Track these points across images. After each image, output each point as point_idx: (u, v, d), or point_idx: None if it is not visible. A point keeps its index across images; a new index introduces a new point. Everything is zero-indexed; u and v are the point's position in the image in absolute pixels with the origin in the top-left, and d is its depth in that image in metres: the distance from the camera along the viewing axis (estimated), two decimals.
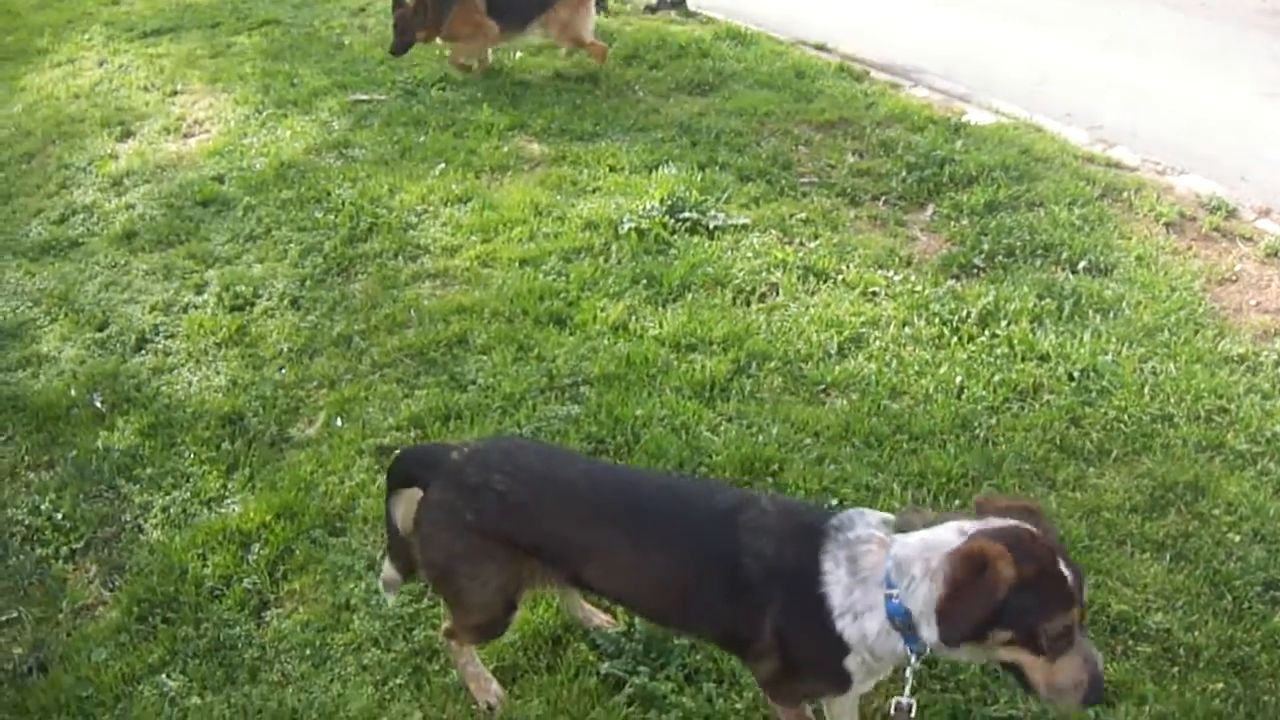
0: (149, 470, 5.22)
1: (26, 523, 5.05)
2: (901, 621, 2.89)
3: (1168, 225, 6.90)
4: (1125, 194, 7.18)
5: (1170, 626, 4.10)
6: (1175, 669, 3.97)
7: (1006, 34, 10.38)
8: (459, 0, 8.76)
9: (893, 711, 3.06)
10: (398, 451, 3.96)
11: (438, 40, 9.17)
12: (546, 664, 4.00)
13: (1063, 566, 2.76)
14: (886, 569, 2.89)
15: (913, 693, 3.01)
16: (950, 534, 2.88)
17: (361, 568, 4.48)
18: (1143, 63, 9.61)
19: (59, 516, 5.03)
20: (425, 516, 3.49)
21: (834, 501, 4.54)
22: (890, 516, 3.08)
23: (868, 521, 3.04)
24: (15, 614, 4.60)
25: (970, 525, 2.89)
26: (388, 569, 3.83)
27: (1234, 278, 6.47)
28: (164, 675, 4.18)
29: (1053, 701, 2.91)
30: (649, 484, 3.66)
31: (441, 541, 3.49)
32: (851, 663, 3.01)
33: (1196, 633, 4.09)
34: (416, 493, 3.52)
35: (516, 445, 3.75)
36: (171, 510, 4.97)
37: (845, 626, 2.95)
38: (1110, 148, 8.03)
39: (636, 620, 4.07)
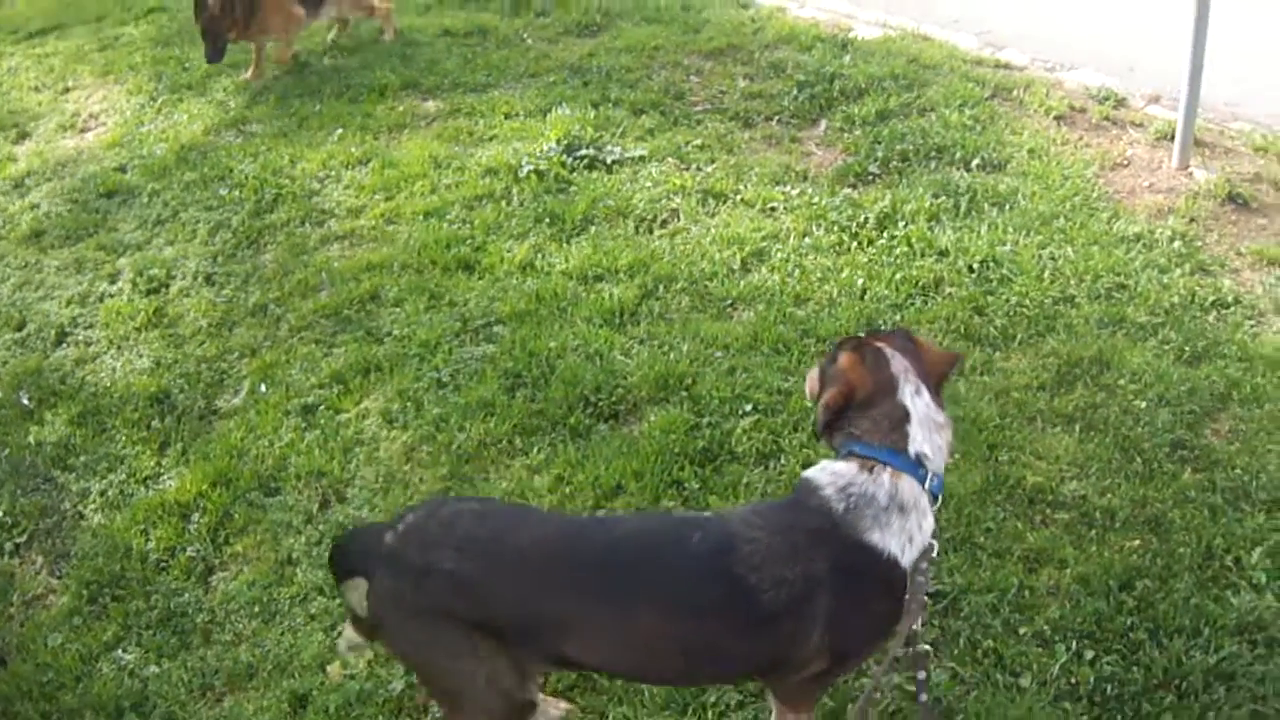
0: (83, 458, 5.29)
1: None
2: (935, 488, 2.91)
3: (1058, 119, 7.12)
4: (1015, 93, 7.38)
5: (1085, 493, 4.31)
6: (1093, 532, 4.16)
7: None
8: None
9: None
10: (332, 544, 3.79)
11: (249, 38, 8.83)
12: None
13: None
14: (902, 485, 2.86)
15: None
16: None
17: (300, 522, 4.63)
18: None
19: None
20: (378, 610, 3.09)
21: (746, 407, 4.72)
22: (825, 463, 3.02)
23: (824, 468, 2.97)
24: None
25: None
26: (349, 633, 3.40)
27: (1126, 162, 6.70)
28: (120, 650, 4.30)
29: None
30: (607, 535, 3.22)
31: (406, 634, 3.10)
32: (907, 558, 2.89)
33: (1110, 496, 4.30)
34: (363, 582, 3.11)
35: (455, 512, 3.17)
36: (109, 493, 5.06)
37: (903, 553, 2.85)
38: (999, 50, 8.23)
39: None
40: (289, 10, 8.60)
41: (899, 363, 2.98)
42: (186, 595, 4.46)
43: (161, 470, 5.13)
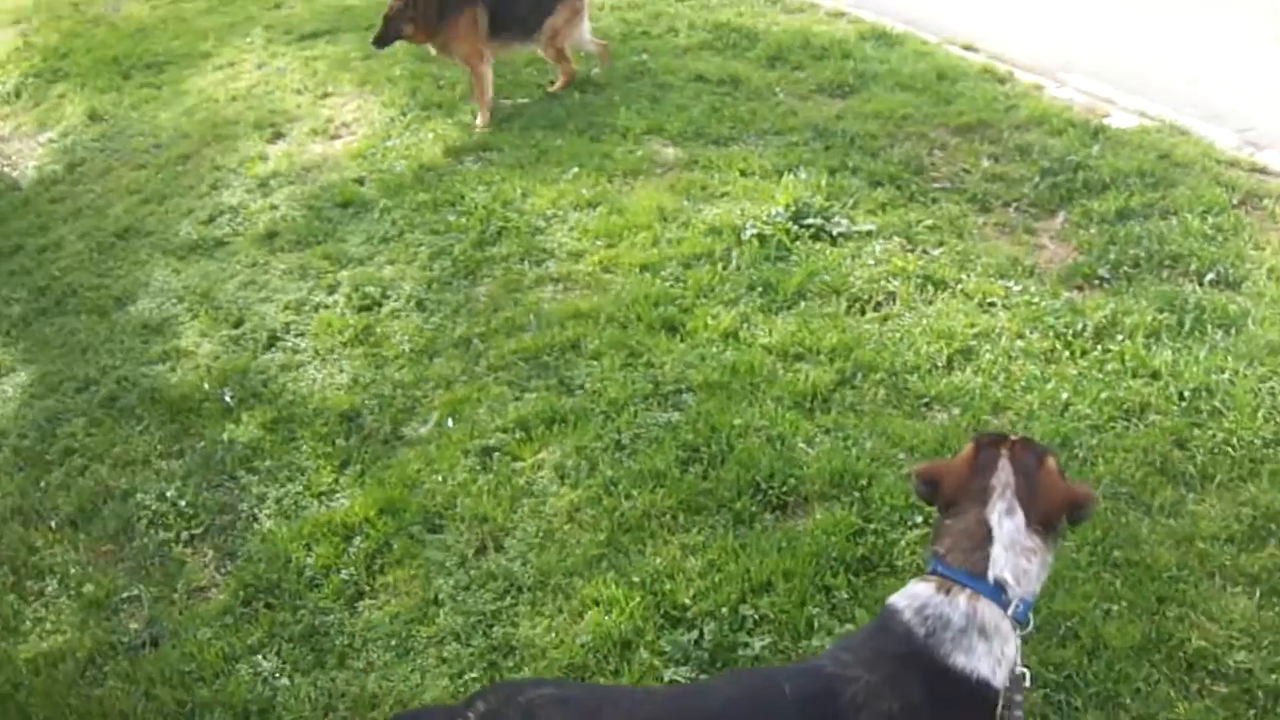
0: (268, 463, 5.41)
1: (153, 508, 5.30)
2: (1020, 615, 2.75)
3: None
4: (1266, 201, 6.88)
5: (1252, 666, 3.91)
6: (1252, 712, 3.78)
7: (1162, 29, 10.07)
8: (461, 11, 8.44)
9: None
10: None
11: (430, 48, 8.81)
12: (614, 667, 4.04)
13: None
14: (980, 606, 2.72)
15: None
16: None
17: (453, 564, 4.62)
18: None
19: (183, 503, 5.27)
20: None
21: (918, 518, 4.50)
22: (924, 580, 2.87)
23: (905, 590, 2.85)
24: (136, 592, 4.87)
25: None
26: None
27: None
28: (260, 656, 4.41)
29: None
30: (705, 708, 2.91)
31: None
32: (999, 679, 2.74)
33: (1279, 674, 3.90)
34: None
35: (532, 700, 2.82)
36: (284, 502, 5.17)
37: (994, 675, 2.69)
38: (1259, 151, 7.72)
39: (705, 628, 4.11)
40: (473, 42, 8.53)
41: (1004, 475, 2.83)
42: (332, 616, 4.51)
43: (337, 489, 5.19)
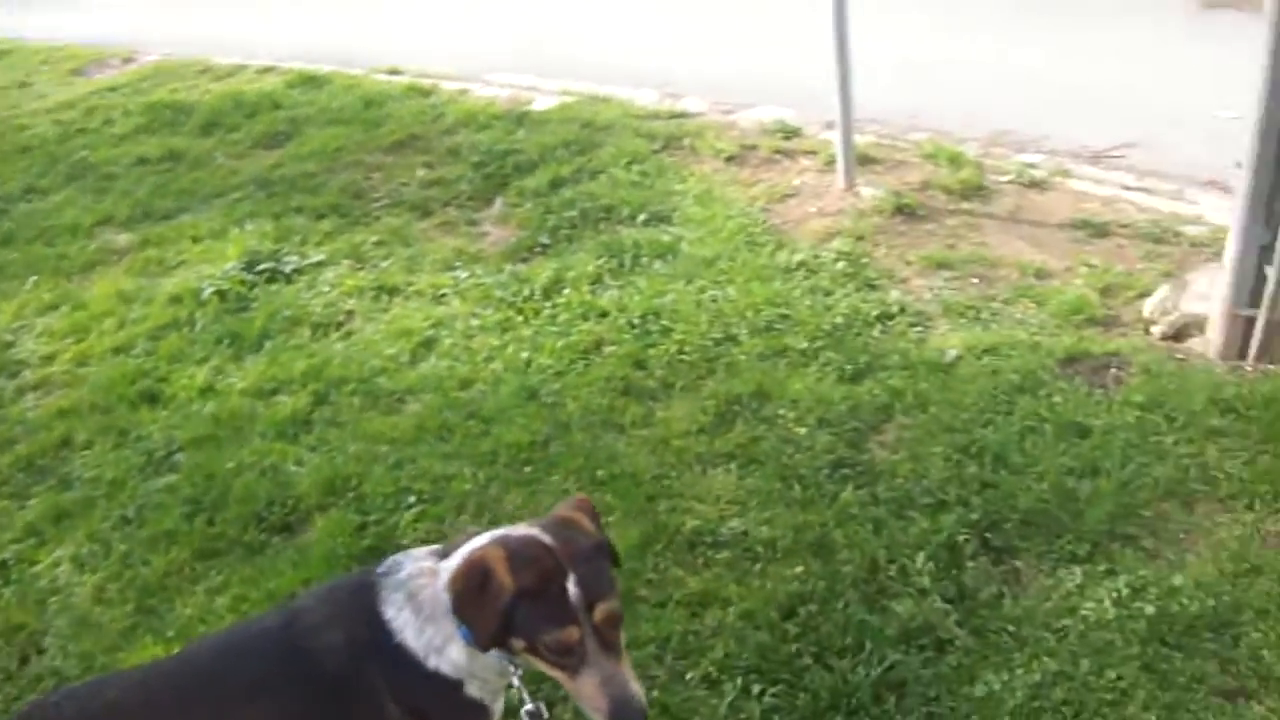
0: None
1: None
2: None
3: (729, 159, 7.45)
4: (686, 141, 7.70)
5: (746, 529, 4.40)
6: (756, 565, 4.24)
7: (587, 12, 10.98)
8: None
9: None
10: None
11: None
12: None
13: (570, 582, 2.64)
14: (443, 597, 2.78)
15: (533, 698, 2.90)
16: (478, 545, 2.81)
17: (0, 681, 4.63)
18: (712, 15, 10.42)
19: None
20: None
21: (410, 499, 4.84)
22: (439, 546, 2.99)
23: (415, 557, 2.92)
24: None
25: (498, 534, 2.83)
26: None
27: (795, 192, 7.04)
28: None
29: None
30: (198, 654, 3.24)
31: None
32: (472, 689, 2.87)
33: (770, 527, 4.39)
34: None
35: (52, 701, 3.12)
36: None
37: (438, 664, 2.80)
38: (678, 100, 8.59)
39: None
40: None
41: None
42: None
43: None
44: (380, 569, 2.91)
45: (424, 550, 2.96)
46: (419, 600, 2.81)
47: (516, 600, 2.63)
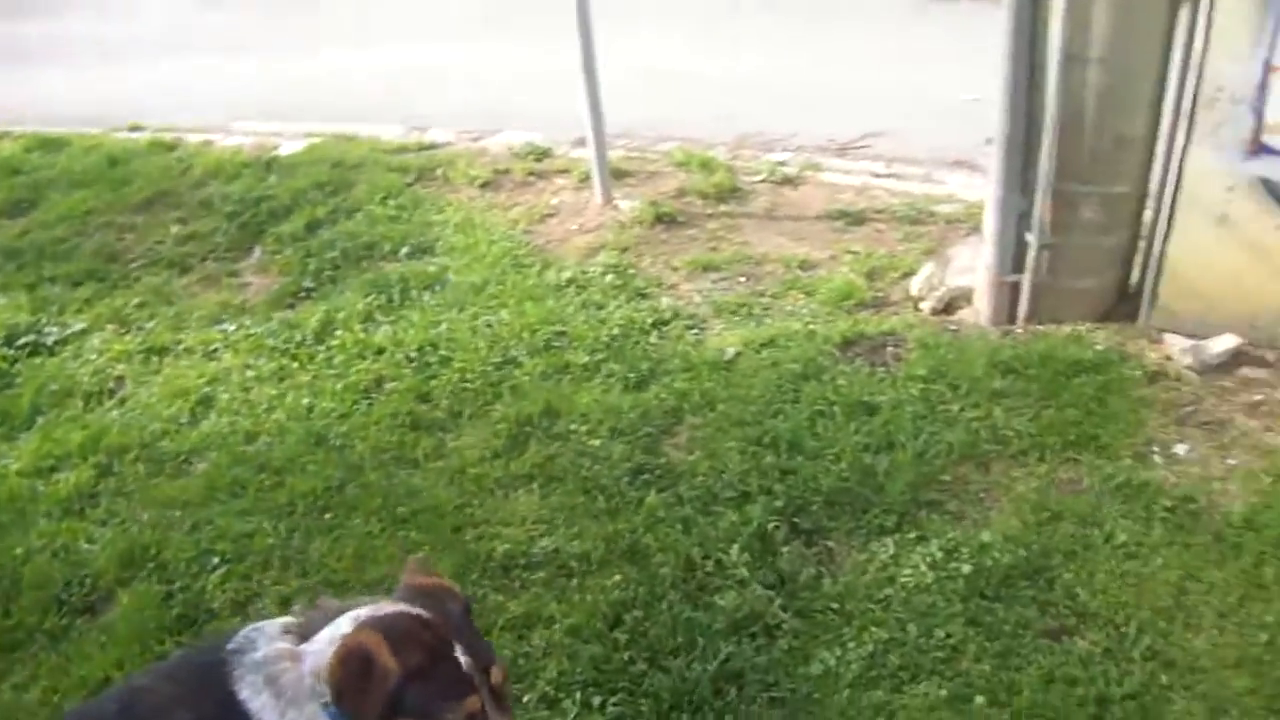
0: None
1: None
2: None
3: (484, 186, 7.56)
4: (439, 171, 7.77)
5: (557, 546, 4.46)
6: (573, 580, 4.30)
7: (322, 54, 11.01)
8: None
9: None
10: None
11: None
12: None
13: (458, 652, 2.58)
14: (308, 682, 2.62)
15: None
16: (348, 628, 2.64)
17: None
18: (448, 45, 10.65)
19: None
20: None
21: (213, 561, 4.72)
22: (291, 620, 2.82)
23: (268, 635, 2.75)
24: None
25: (365, 613, 2.67)
26: None
27: (554, 211, 7.18)
28: None
29: None
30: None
31: None
32: None
33: (580, 541, 4.45)
34: None
35: None
36: None
37: None
38: (425, 132, 8.67)
39: None
40: None
41: None
42: None
43: None
44: (230, 645, 2.75)
45: (274, 626, 2.80)
46: (280, 684, 2.65)
47: (405, 682, 2.51)
